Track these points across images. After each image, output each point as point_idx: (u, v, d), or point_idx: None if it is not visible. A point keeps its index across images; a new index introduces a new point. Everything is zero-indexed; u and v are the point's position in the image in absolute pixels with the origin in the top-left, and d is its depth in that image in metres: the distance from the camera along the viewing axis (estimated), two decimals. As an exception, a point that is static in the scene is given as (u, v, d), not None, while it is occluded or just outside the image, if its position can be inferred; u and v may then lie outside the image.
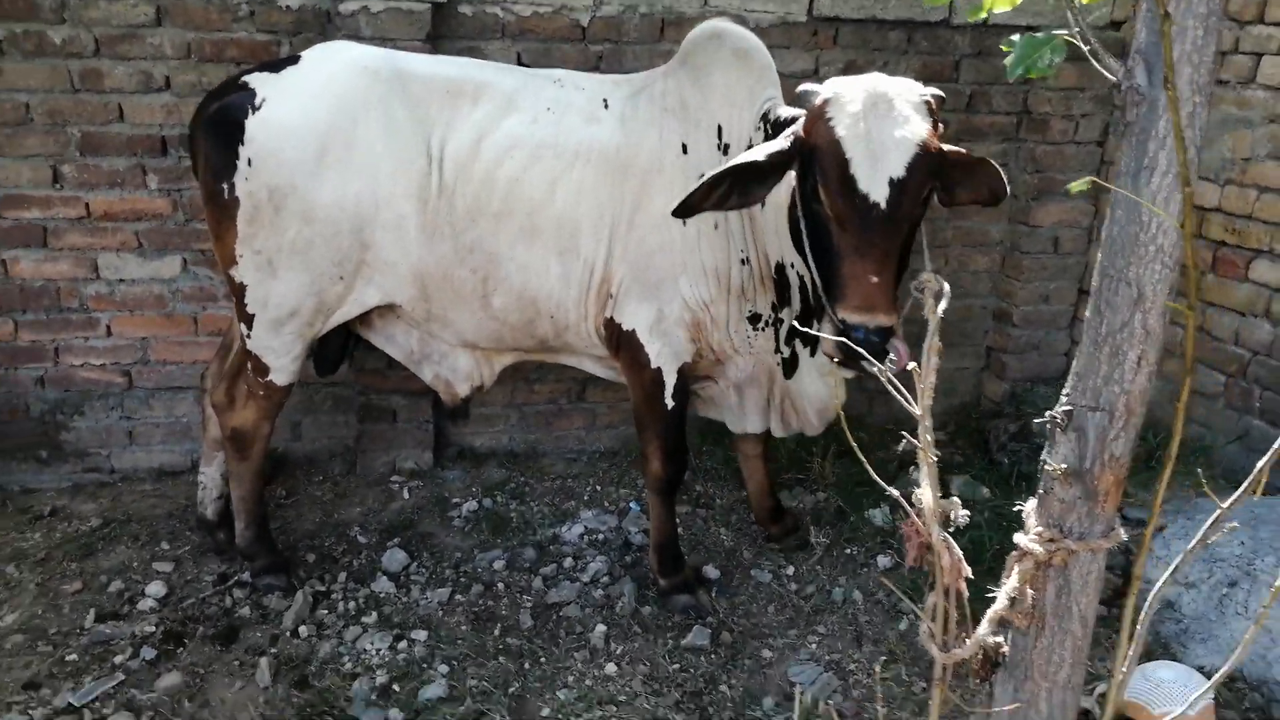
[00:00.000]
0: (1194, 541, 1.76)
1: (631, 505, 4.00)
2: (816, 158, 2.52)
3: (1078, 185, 1.29)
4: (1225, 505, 1.71)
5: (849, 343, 2.37)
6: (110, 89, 3.68)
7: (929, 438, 1.79)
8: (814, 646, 3.16)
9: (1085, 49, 1.53)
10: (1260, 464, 1.68)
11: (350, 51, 3.11)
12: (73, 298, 3.89)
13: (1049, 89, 4.25)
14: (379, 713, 2.81)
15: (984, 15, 1.77)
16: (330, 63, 3.06)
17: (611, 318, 3.14)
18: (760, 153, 2.62)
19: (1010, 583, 1.81)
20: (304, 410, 4.22)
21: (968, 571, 1.76)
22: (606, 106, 3.12)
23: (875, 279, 2.44)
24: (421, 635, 3.15)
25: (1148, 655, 2.94)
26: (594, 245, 3.07)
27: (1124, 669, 1.71)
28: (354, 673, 2.98)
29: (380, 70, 3.03)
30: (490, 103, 3.07)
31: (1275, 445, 1.70)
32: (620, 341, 3.16)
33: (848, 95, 2.51)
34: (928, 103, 2.52)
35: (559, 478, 4.27)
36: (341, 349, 3.53)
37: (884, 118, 2.45)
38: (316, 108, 2.97)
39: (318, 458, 4.29)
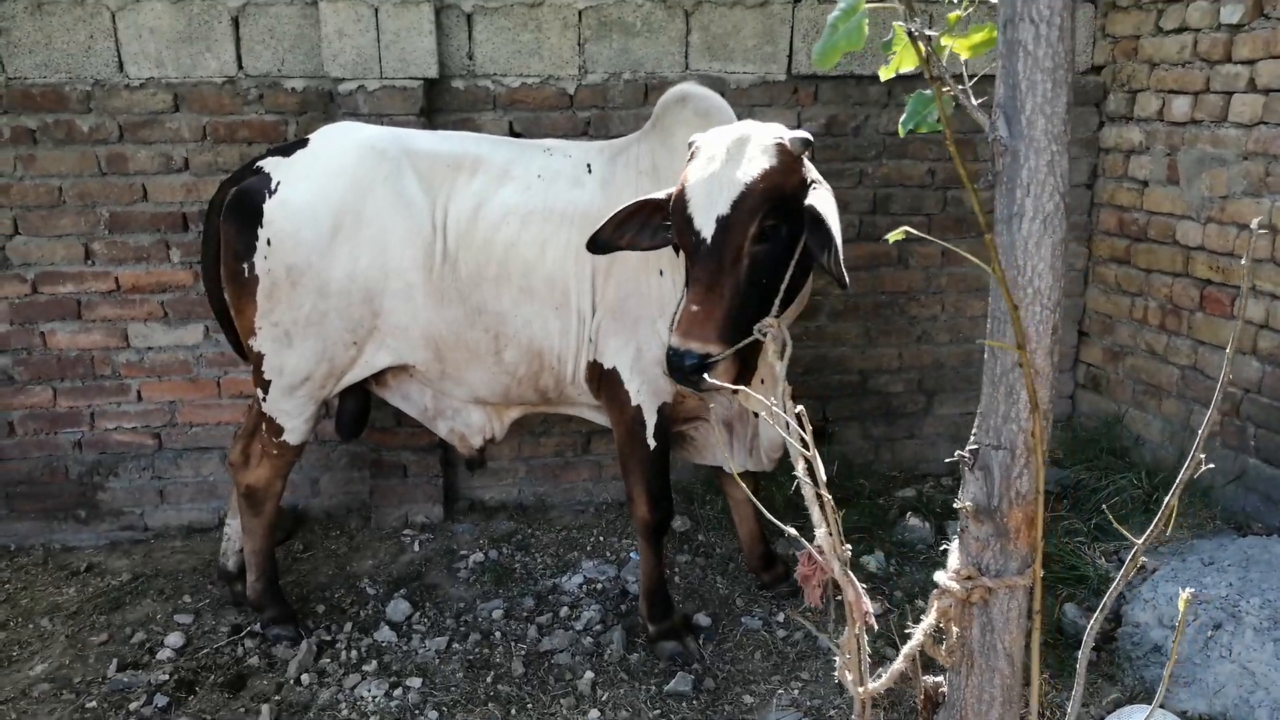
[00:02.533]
0: (1116, 582, 1.79)
1: (631, 555, 4.06)
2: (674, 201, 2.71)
3: (894, 235, 1.37)
4: (1140, 541, 1.74)
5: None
6: (134, 171, 3.95)
7: (819, 478, 1.87)
8: (796, 693, 3.17)
9: (966, 105, 1.63)
10: (1168, 498, 1.71)
11: (357, 132, 3.29)
12: (105, 366, 4.14)
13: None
14: (365, 757, 2.91)
15: (893, 74, 1.88)
16: (338, 143, 3.23)
17: (594, 360, 3.26)
18: (662, 193, 2.82)
19: (928, 619, 1.85)
20: (322, 467, 4.40)
21: (869, 606, 1.81)
22: (590, 171, 3.28)
23: (695, 308, 2.60)
24: (416, 682, 3.24)
25: (1131, 699, 2.90)
26: (580, 299, 3.21)
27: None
28: (349, 719, 3.09)
29: (387, 149, 3.21)
30: (487, 174, 3.25)
31: (1180, 478, 1.73)
32: (602, 382, 3.27)
33: (706, 143, 2.70)
34: (780, 145, 2.63)
35: (565, 529, 4.36)
36: (362, 415, 3.70)
37: (726, 161, 2.61)
38: (329, 188, 3.14)
39: (335, 512, 4.46)
